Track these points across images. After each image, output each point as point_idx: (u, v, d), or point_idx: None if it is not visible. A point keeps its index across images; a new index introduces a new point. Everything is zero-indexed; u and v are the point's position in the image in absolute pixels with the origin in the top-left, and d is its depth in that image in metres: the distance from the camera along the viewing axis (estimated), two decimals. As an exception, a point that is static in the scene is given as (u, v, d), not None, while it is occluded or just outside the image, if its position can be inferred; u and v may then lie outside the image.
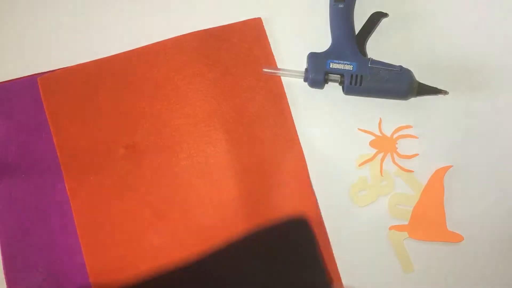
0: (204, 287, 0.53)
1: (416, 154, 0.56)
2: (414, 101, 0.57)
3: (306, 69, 0.56)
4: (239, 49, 0.59)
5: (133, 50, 0.59)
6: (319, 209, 0.55)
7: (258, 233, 0.55)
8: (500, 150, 0.56)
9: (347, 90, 0.56)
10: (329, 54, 0.56)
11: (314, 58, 0.56)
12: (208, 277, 0.53)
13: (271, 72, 0.58)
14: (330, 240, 0.54)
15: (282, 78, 0.58)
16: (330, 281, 0.54)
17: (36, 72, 0.59)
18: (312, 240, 0.54)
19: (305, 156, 0.56)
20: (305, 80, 0.57)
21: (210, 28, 0.59)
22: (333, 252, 0.54)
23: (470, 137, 0.56)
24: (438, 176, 0.54)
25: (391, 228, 0.54)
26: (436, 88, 0.55)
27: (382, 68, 0.55)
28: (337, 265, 0.54)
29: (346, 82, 0.55)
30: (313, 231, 0.54)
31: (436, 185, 0.54)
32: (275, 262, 0.54)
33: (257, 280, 0.53)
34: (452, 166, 0.55)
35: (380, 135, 0.57)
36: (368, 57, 0.56)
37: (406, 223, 0.54)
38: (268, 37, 0.59)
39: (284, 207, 0.55)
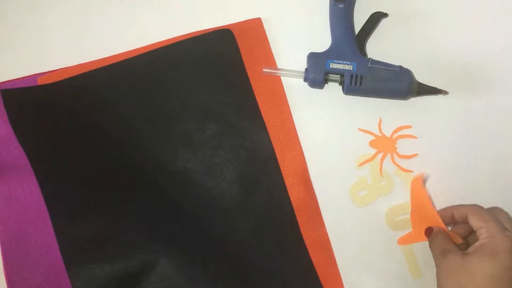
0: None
1: (416, 154, 0.56)
2: (414, 101, 0.57)
3: (306, 69, 0.56)
4: (239, 49, 0.59)
5: (131, 51, 0.59)
6: (319, 209, 0.55)
7: (182, 42, 0.58)
8: (500, 150, 0.56)
9: (347, 90, 0.56)
10: (329, 54, 0.56)
11: (314, 58, 0.56)
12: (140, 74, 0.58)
13: (271, 72, 0.58)
14: (331, 240, 0.55)
15: (282, 78, 0.58)
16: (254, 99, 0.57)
17: (36, 72, 0.59)
18: (235, 49, 0.58)
19: (305, 156, 0.56)
20: (305, 80, 0.57)
21: (209, 29, 0.59)
22: (334, 252, 0.54)
23: (470, 137, 0.56)
24: (417, 184, 0.52)
25: (400, 241, 0.53)
26: (436, 88, 0.55)
27: (382, 68, 0.55)
28: (338, 266, 0.54)
29: (346, 82, 0.55)
30: (236, 42, 0.58)
31: (418, 192, 0.52)
32: (199, 70, 0.57)
33: (182, 87, 0.57)
34: (425, 173, 0.54)
35: (380, 135, 0.57)
36: (368, 57, 0.56)
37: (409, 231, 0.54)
38: (268, 37, 0.59)
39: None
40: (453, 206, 0.51)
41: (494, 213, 0.48)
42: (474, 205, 0.49)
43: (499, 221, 0.47)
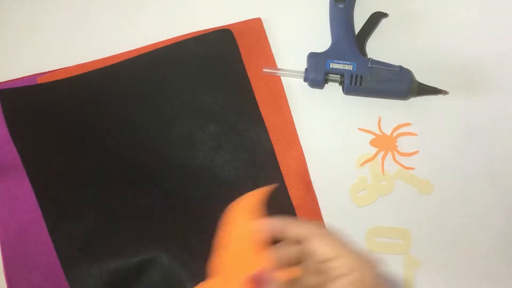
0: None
1: (416, 151, 0.56)
2: (414, 101, 0.57)
3: (306, 69, 0.56)
4: (239, 49, 0.59)
5: (131, 51, 0.59)
6: (319, 209, 0.55)
7: (182, 42, 0.58)
8: (500, 150, 0.56)
9: (347, 90, 0.56)
10: (329, 54, 0.56)
11: (314, 58, 0.56)
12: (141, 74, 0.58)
13: (271, 72, 0.58)
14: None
15: (282, 78, 0.58)
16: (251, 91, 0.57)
17: (36, 72, 0.59)
18: (235, 49, 0.58)
19: (305, 156, 0.56)
20: (305, 80, 0.57)
21: (210, 29, 0.59)
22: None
23: (470, 137, 0.56)
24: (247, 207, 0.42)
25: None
26: (436, 88, 0.55)
27: (382, 68, 0.55)
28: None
29: (346, 82, 0.55)
30: (236, 42, 0.58)
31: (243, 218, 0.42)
32: (199, 70, 0.57)
33: (184, 88, 0.57)
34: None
35: (380, 134, 0.57)
36: (368, 57, 0.56)
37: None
38: (268, 37, 0.59)
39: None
40: (285, 220, 0.40)
41: (334, 233, 0.39)
42: (314, 225, 0.39)
43: (348, 245, 0.38)
